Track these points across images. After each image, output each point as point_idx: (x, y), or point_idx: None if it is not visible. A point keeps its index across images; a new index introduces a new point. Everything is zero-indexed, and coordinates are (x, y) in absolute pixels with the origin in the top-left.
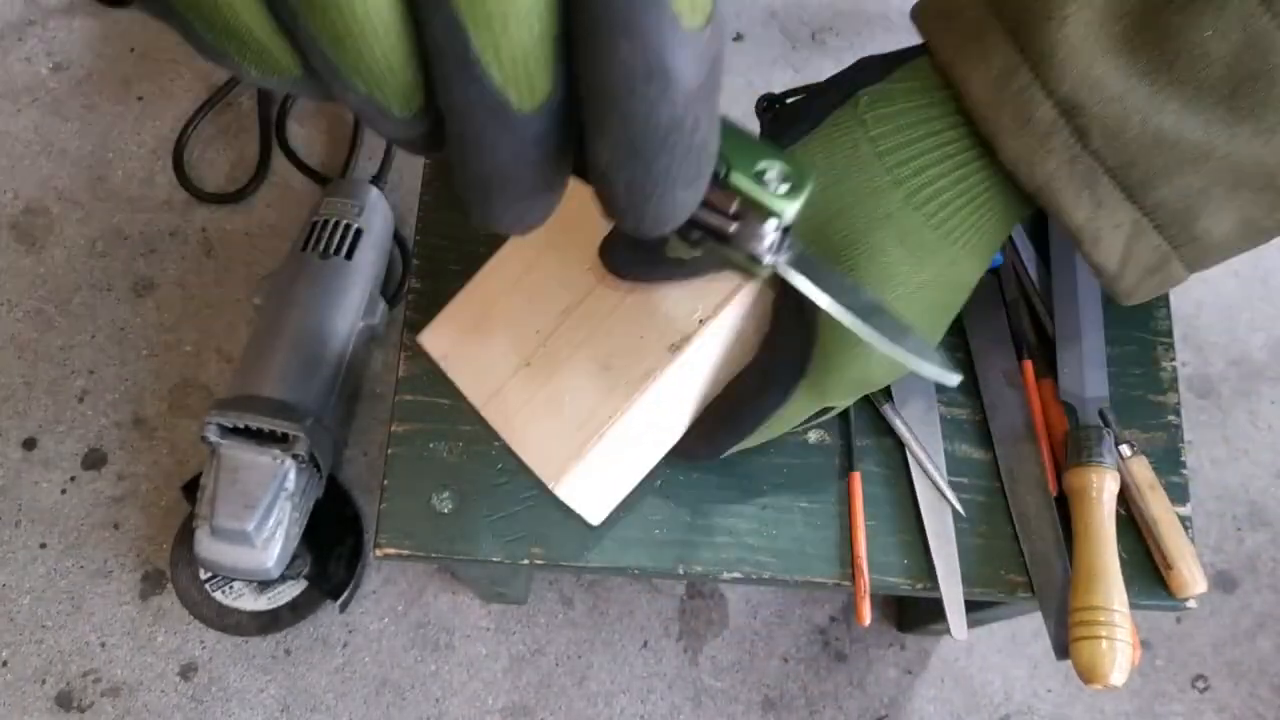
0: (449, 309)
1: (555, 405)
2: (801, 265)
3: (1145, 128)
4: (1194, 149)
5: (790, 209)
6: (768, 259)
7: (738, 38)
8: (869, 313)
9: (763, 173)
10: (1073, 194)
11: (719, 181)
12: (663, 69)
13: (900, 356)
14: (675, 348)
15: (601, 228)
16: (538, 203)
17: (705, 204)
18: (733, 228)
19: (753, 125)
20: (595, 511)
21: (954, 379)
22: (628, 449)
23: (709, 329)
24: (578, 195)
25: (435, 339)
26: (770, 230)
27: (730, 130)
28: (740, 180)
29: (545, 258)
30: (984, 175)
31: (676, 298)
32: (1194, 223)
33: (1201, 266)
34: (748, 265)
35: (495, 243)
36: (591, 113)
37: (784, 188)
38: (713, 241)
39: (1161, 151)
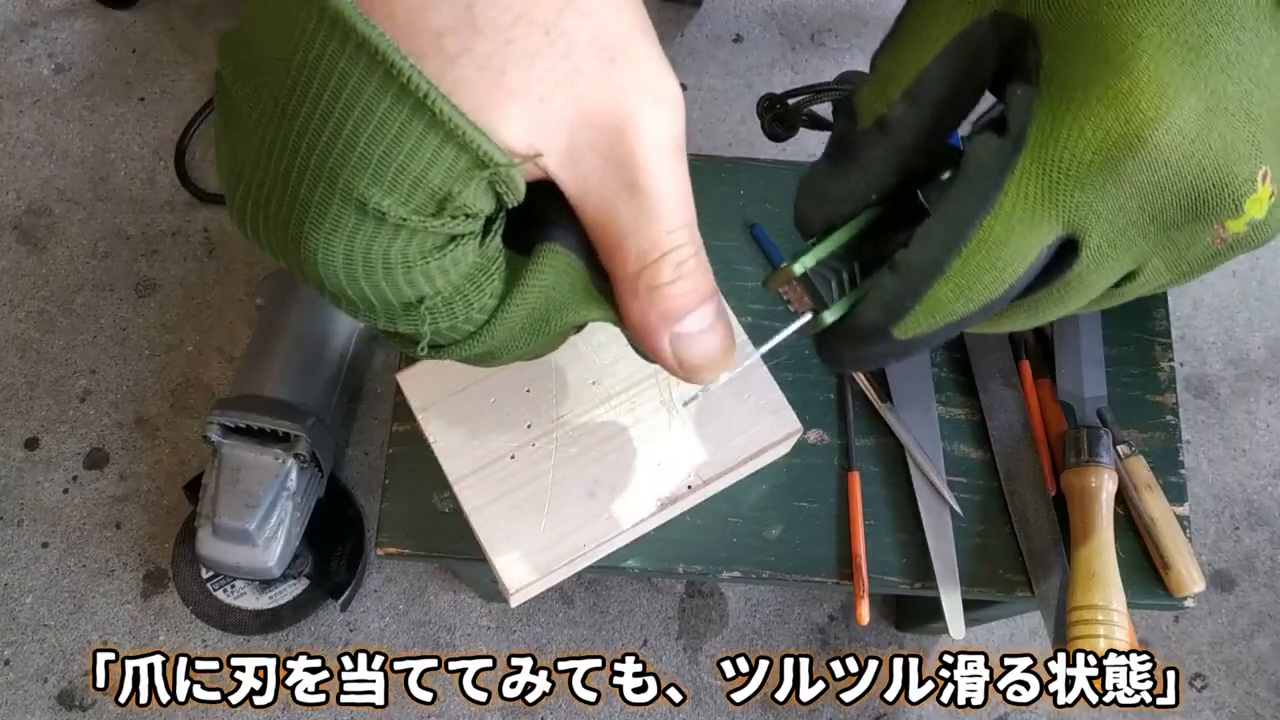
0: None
1: (533, 512)
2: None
3: None
4: None
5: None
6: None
7: (737, 39)
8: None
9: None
10: None
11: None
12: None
13: None
14: (664, 504)
15: (617, 352)
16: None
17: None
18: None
19: (752, 125)
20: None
21: None
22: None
23: (697, 494)
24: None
25: (417, 386)
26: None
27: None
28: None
29: (559, 353)
30: None
31: (675, 453)
32: None
33: None
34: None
35: None
36: None
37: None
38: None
39: None
